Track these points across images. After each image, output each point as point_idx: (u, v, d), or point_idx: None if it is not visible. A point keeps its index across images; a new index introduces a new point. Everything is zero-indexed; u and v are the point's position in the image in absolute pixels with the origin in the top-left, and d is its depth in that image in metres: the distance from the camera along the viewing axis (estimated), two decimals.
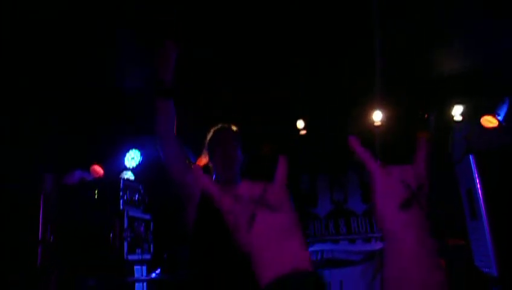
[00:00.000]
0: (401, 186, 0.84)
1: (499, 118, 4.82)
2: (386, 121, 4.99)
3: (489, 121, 4.80)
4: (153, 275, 2.35)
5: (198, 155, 5.30)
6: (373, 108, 4.95)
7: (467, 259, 4.03)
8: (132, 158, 4.94)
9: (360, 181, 5.49)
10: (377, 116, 4.98)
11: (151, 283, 2.95)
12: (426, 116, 5.17)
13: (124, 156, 4.95)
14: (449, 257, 4.03)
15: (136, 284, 3.44)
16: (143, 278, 2.60)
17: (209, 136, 2.48)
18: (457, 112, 4.94)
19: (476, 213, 4.01)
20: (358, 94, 4.79)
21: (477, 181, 3.94)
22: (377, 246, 4.75)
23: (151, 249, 4.18)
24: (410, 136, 5.03)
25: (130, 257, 3.77)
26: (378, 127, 5.00)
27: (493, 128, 4.67)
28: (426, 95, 4.99)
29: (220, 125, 2.52)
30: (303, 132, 5.07)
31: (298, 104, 4.96)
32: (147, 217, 4.34)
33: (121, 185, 4.05)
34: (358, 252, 3.70)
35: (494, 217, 3.84)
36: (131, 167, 4.91)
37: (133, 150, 4.96)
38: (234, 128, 2.50)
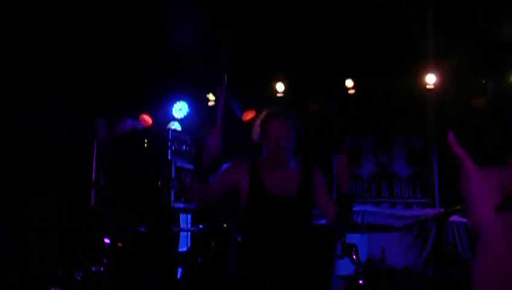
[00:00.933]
0: (498, 189, 0.82)
1: None
2: (440, 85, 4.81)
3: None
4: (200, 226, 2.45)
5: (244, 108, 5.32)
6: (426, 70, 4.76)
7: None
8: (180, 109, 5.04)
9: (407, 145, 5.38)
10: (430, 79, 4.80)
11: (195, 233, 3.07)
12: (484, 81, 4.94)
13: (172, 106, 5.06)
14: None
15: (181, 233, 3.61)
16: (189, 228, 2.72)
17: (263, 118, 2.52)
18: None
19: None
20: (412, 55, 4.62)
21: None
22: (419, 212, 4.70)
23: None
24: (466, 101, 4.86)
25: (176, 205, 3.93)
26: (430, 90, 4.83)
27: None
28: (485, 59, 4.74)
29: (276, 109, 2.55)
30: (352, 91, 4.98)
31: (348, 63, 4.84)
32: (193, 167, 4.47)
33: (170, 136, 4.16)
34: (400, 217, 3.69)
35: None
36: (179, 118, 5.02)
37: (181, 101, 5.06)
38: (290, 114, 2.53)
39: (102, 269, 2.17)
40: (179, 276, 3.34)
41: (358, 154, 5.45)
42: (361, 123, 5.35)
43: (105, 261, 2.19)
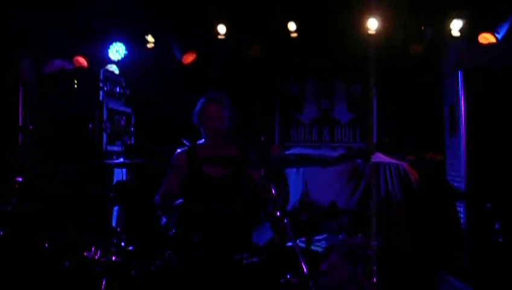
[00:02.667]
0: None
1: (498, 36, 4.66)
2: (381, 30, 4.81)
3: (486, 39, 4.65)
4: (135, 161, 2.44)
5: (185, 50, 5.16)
6: (368, 15, 4.74)
7: (439, 173, 4.15)
8: (117, 51, 4.81)
9: (347, 90, 5.44)
10: (372, 24, 4.79)
11: (132, 169, 3.01)
12: (423, 27, 4.99)
13: (108, 48, 4.81)
14: (425, 170, 4.14)
15: (116, 171, 3.51)
16: (120, 161, 2.67)
17: (201, 105, 2.87)
18: (455, 26, 4.76)
19: (455, 129, 4.04)
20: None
21: (462, 97, 3.92)
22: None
23: (132, 142, 4.23)
24: (404, 47, 4.93)
25: (110, 148, 3.82)
26: (372, 35, 4.84)
27: (489, 46, 4.54)
28: (425, 6, 4.78)
29: (212, 95, 2.91)
30: (294, 35, 4.91)
31: (291, 6, 4.75)
32: (128, 110, 4.34)
33: (101, 76, 3.97)
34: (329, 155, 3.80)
35: (472, 134, 3.87)
36: (115, 60, 4.80)
37: (117, 42, 4.82)
38: (223, 99, 2.88)
39: (10, 207, 2.11)
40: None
41: (301, 99, 5.47)
42: (303, 67, 5.34)
43: (14, 201, 2.12)
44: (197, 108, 2.90)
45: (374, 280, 2.35)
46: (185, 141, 2.99)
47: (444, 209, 4.03)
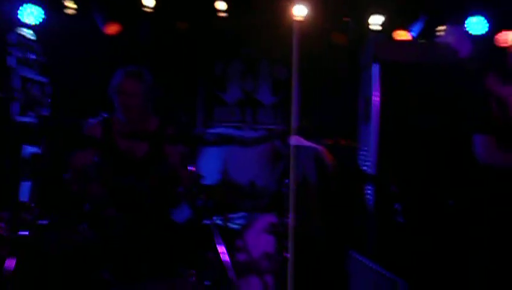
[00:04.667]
0: None
1: (412, 34, 4.99)
2: (307, 17, 4.93)
3: (401, 36, 4.97)
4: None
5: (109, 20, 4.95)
6: (297, 1, 4.84)
7: (353, 158, 4.42)
8: (31, 14, 4.48)
9: (271, 73, 5.54)
10: (299, 11, 4.90)
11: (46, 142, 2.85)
12: (347, 19, 5.20)
13: (18, 9, 4.44)
14: (339, 155, 4.37)
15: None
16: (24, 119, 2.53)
17: (116, 79, 2.74)
18: (376, 21, 5.01)
19: (368, 119, 4.32)
20: None
21: (376, 89, 4.19)
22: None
23: (48, 113, 4.00)
24: (329, 37, 5.12)
25: (21, 119, 3.59)
26: (298, 22, 4.95)
27: (404, 43, 4.86)
28: None
29: (129, 69, 2.78)
30: (222, 14, 4.89)
31: None
32: (44, 79, 4.08)
33: (13, 40, 3.68)
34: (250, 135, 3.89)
35: (383, 124, 4.17)
36: (30, 24, 4.47)
37: (31, 5, 4.48)
38: (142, 74, 2.71)
39: None
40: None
41: (224, 79, 5.49)
42: (229, 47, 5.35)
43: None
44: (113, 81, 2.78)
45: (288, 255, 2.47)
46: (102, 113, 2.88)
47: (354, 192, 4.32)
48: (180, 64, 5.16)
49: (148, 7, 4.82)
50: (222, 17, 4.89)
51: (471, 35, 4.79)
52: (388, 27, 5.04)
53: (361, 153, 4.52)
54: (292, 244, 2.36)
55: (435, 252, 3.80)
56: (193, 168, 2.13)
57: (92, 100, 4.45)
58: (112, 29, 4.91)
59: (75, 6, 4.78)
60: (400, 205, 3.86)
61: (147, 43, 5.01)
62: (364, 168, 4.36)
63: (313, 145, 4.15)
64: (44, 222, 2.07)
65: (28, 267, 2.05)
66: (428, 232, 3.92)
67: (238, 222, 3.14)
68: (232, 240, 2.87)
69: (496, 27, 4.71)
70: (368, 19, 5.02)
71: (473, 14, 4.81)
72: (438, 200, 4.01)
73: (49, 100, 4.16)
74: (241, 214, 3.28)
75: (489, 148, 2.63)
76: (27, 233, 2.00)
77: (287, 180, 2.46)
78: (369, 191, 4.32)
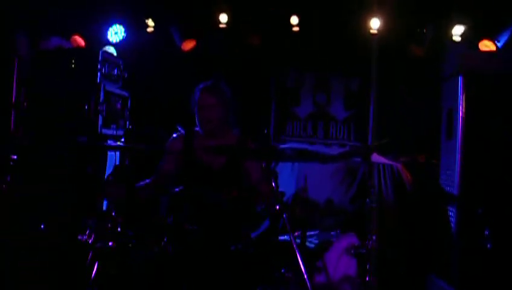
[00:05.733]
0: None
1: (498, 44, 4.68)
2: (383, 30, 4.79)
3: (487, 46, 4.67)
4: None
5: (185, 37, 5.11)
6: (371, 14, 4.72)
7: (433, 176, 4.16)
8: (116, 33, 4.72)
9: (345, 87, 5.42)
10: (374, 24, 4.77)
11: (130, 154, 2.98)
12: (425, 30, 4.99)
13: (107, 30, 4.73)
14: (417, 172, 4.16)
15: (109, 154, 3.46)
16: (115, 145, 2.64)
17: (195, 94, 2.85)
18: (457, 31, 4.76)
19: (452, 133, 4.06)
20: None
21: (460, 102, 3.93)
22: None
23: (127, 125, 4.17)
24: (406, 48, 4.92)
25: (104, 131, 3.76)
26: (374, 35, 4.82)
27: (490, 53, 4.56)
28: (427, 8, 4.77)
29: (205, 84, 2.89)
30: (296, 29, 4.87)
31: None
32: (125, 93, 4.27)
33: (100, 57, 3.89)
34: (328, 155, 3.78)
35: (468, 139, 3.90)
36: (114, 42, 4.72)
37: (117, 24, 4.73)
38: (218, 88, 2.84)
39: (4, 186, 2.06)
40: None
41: (298, 92, 5.44)
42: (302, 60, 5.30)
43: (8, 179, 2.08)
44: (194, 97, 2.90)
45: (368, 278, 2.35)
46: (179, 128, 2.97)
47: (435, 213, 4.06)
48: (254, 78, 5.19)
49: (222, 23, 4.91)
50: (296, 31, 4.87)
51: None
52: (471, 37, 4.77)
53: (443, 171, 4.25)
54: (374, 267, 2.23)
55: None
56: (274, 184, 2.08)
57: (169, 113, 4.60)
58: (188, 45, 5.05)
59: (153, 24, 4.97)
60: (488, 230, 3.57)
61: (222, 57, 5.11)
62: (447, 187, 4.09)
63: (391, 162, 3.98)
64: (130, 233, 2.11)
65: (109, 276, 2.09)
66: None
67: (312, 240, 3.05)
68: (308, 260, 2.78)
69: None
70: (448, 28, 4.77)
71: None
72: None
73: (128, 113, 4.37)
74: (315, 232, 3.19)
75: None
76: (110, 243, 2.04)
77: (366, 200, 2.34)
78: (452, 213, 4.04)
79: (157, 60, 5.08)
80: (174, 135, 2.96)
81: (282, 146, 4.68)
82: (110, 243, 2.02)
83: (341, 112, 5.41)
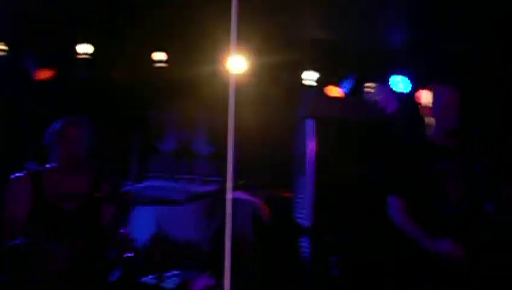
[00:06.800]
0: None
1: (344, 90, 5.26)
2: (244, 71, 5.04)
3: (333, 92, 5.22)
4: None
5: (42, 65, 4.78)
6: (234, 55, 4.95)
7: (288, 210, 4.46)
8: None
9: (208, 124, 5.56)
10: (236, 64, 5.00)
11: None
12: (284, 78, 5.37)
13: None
14: (275, 206, 4.41)
15: None
16: None
17: (59, 126, 2.63)
18: (310, 77, 5.24)
19: (305, 170, 4.43)
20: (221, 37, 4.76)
21: (312, 142, 4.34)
22: (208, 188, 4.96)
23: None
24: (265, 90, 5.25)
25: None
26: (234, 75, 5.04)
27: (336, 99, 5.10)
28: (285, 54, 5.16)
29: (72, 118, 2.68)
30: (162, 65, 4.90)
31: (158, 36, 4.75)
32: None
33: None
34: (185, 192, 3.81)
35: (319, 174, 4.30)
36: None
37: None
38: (84, 123, 2.67)
39: None
40: None
41: (160, 128, 5.44)
42: (166, 98, 5.33)
43: None
44: (54, 128, 2.66)
45: None
46: (29, 165, 2.71)
47: (290, 244, 4.33)
48: (116, 113, 5.06)
49: (85, 54, 4.74)
50: (160, 67, 4.90)
51: (396, 93, 5.12)
52: (320, 83, 5.28)
53: (297, 204, 4.58)
54: None
55: None
56: (125, 231, 2.03)
57: (21, 144, 4.23)
58: (44, 74, 4.75)
59: (5, 48, 4.60)
60: (335, 257, 3.91)
61: (82, 91, 4.89)
62: (299, 220, 4.42)
63: (250, 198, 4.16)
64: None
65: None
66: (361, 285, 3.98)
67: (172, 280, 3.02)
68: None
69: (418, 85, 5.07)
70: (301, 74, 5.23)
71: (398, 73, 5.16)
72: (372, 252, 4.10)
73: None
74: (176, 272, 3.16)
75: (399, 213, 2.52)
76: None
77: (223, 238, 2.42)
78: (304, 243, 4.35)
79: (10, 86, 4.68)
80: (19, 174, 2.69)
81: (139, 186, 4.57)
82: None
83: (205, 147, 5.52)
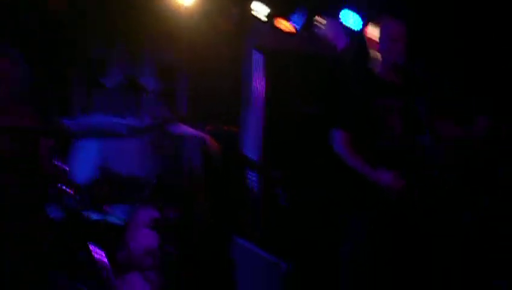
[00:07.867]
0: None
1: (294, 24, 5.14)
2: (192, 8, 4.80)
3: (283, 25, 5.09)
4: None
5: None
6: None
7: (235, 144, 4.47)
8: None
9: (156, 59, 5.34)
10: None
11: None
12: (233, 10, 5.18)
13: None
14: (223, 141, 4.41)
15: None
16: None
17: None
18: (259, 9, 5.06)
19: (252, 104, 4.42)
20: None
21: (261, 76, 4.29)
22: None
23: None
24: (215, 23, 5.05)
25: None
26: (183, 10, 4.80)
27: (286, 33, 4.99)
28: None
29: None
30: None
31: None
32: None
33: None
34: (128, 126, 3.69)
35: (267, 108, 4.30)
36: None
37: None
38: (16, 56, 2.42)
39: None
40: None
41: (105, 62, 5.16)
42: (111, 29, 5.02)
43: None
44: None
45: (171, 249, 2.43)
46: None
47: (238, 178, 4.39)
48: (54, 46, 4.74)
49: None
50: None
51: (346, 28, 5.07)
52: (270, 16, 5.13)
53: (244, 138, 4.59)
54: (176, 237, 2.32)
55: (315, 235, 4.01)
56: (60, 163, 1.93)
57: None
58: None
59: None
60: (281, 190, 4.01)
61: (18, 20, 4.50)
62: (248, 153, 4.45)
63: (198, 133, 4.12)
64: None
65: None
66: (308, 215, 4.13)
67: (120, 216, 2.99)
68: (115, 236, 2.74)
69: (368, 21, 5.03)
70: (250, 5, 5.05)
71: (349, 8, 5.08)
72: (317, 184, 4.22)
73: None
74: (122, 207, 3.12)
75: (343, 146, 2.55)
76: None
77: (170, 172, 2.40)
78: (253, 177, 4.42)
79: None
80: None
81: (80, 120, 4.33)
82: None
83: (152, 83, 5.33)
